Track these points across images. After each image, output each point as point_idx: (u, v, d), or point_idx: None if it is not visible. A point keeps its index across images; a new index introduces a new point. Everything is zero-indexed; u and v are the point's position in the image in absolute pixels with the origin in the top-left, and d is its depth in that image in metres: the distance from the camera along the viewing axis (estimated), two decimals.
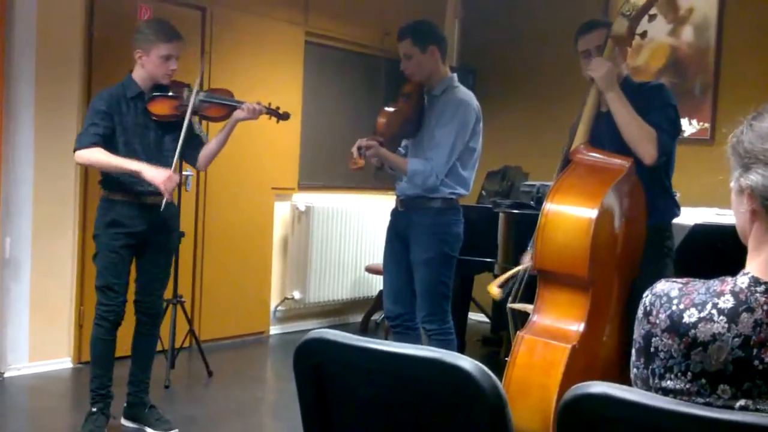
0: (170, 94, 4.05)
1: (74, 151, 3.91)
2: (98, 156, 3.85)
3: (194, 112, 4.06)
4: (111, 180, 3.96)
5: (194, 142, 4.16)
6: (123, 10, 5.31)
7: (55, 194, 5.05)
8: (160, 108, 4.02)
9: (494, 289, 3.41)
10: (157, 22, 4.07)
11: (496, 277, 5.52)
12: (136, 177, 3.86)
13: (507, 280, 3.41)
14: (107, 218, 3.95)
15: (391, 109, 4.04)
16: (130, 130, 3.94)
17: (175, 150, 3.99)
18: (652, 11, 3.21)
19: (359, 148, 3.86)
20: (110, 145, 3.90)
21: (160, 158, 3.98)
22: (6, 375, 4.88)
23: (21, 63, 4.87)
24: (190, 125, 4.09)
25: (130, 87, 3.99)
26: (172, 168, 3.91)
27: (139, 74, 4.00)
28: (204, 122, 4.43)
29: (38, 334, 5.03)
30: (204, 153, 4.19)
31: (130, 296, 4.09)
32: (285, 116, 4.25)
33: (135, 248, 4.02)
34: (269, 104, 4.19)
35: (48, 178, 5.00)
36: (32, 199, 4.97)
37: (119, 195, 3.96)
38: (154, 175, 3.83)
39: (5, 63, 4.77)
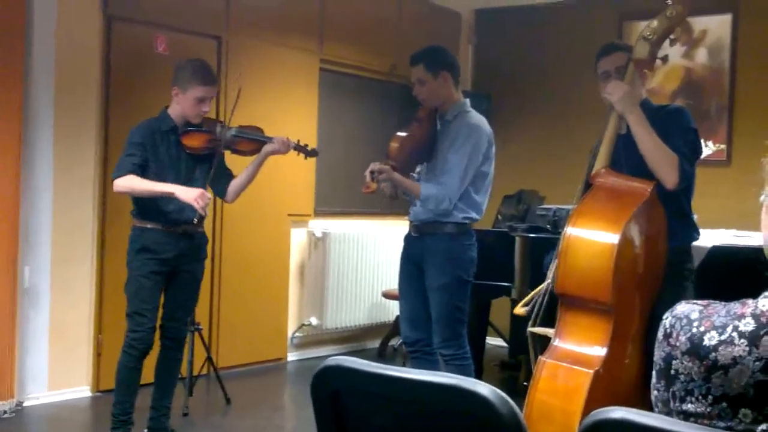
0: (203, 128, 4.19)
1: (112, 180, 4.05)
2: (133, 182, 3.98)
3: (226, 147, 4.21)
4: (143, 209, 4.08)
5: (224, 175, 4.28)
6: (140, 40, 5.37)
7: (73, 223, 5.08)
8: (193, 141, 4.16)
9: (520, 309, 3.38)
10: (197, 63, 4.17)
11: (513, 301, 5.52)
12: (168, 197, 3.99)
13: (532, 298, 3.39)
14: (137, 245, 4.05)
15: (404, 134, 4.06)
16: (163, 162, 4.07)
17: (205, 181, 4.16)
18: (673, 35, 3.21)
19: (372, 173, 3.87)
20: (144, 175, 4.02)
21: (189, 188, 4.09)
22: (25, 404, 4.89)
23: (40, 94, 4.92)
24: (222, 158, 4.25)
25: (164, 121, 4.12)
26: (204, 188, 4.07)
27: (174, 110, 4.14)
28: (233, 156, 4.52)
29: (57, 362, 5.05)
30: (233, 185, 4.32)
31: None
32: (314, 153, 4.46)
33: (165, 276, 4.10)
34: (298, 141, 4.35)
35: (66, 207, 5.03)
36: (51, 228, 5.00)
37: (150, 223, 4.06)
38: (187, 194, 3.96)
39: (24, 94, 4.82)
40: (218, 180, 4.26)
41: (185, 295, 4.23)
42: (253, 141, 4.30)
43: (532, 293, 3.37)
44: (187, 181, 4.10)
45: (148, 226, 4.06)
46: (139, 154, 4.01)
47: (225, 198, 4.39)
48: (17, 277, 4.82)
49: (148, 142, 4.05)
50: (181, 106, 4.10)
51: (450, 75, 4.07)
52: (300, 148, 4.36)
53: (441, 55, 4.16)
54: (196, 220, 4.04)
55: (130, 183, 3.98)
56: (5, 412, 4.70)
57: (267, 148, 4.25)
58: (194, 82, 4.05)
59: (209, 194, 4.06)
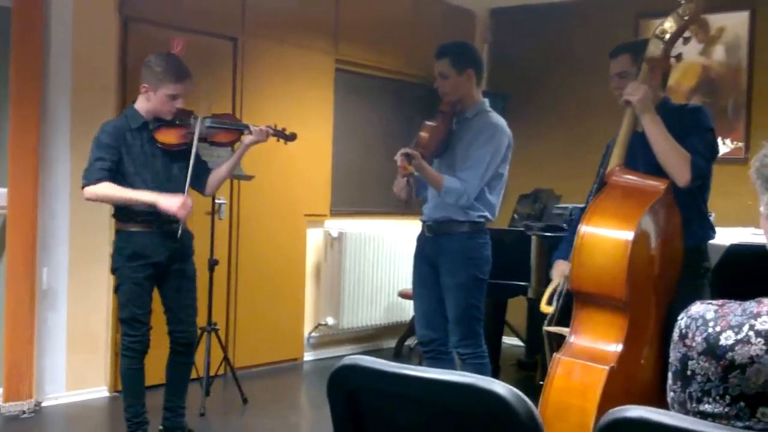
0: (176, 122, 4.07)
1: (82, 188, 3.94)
2: (109, 190, 3.89)
3: (202, 139, 4.09)
4: (126, 211, 3.99)
5: (201, 169, 4.18)
6: (156, 42, 5.37)
7: (91, 225, 5.10)
8: (168, 137, 4.04)
9: (545, 306, 3.36)
10: (167, 59, 4.04)
11: (529, 300, 5.51)
12: (149, 208, 3.90)
13: (552, 294, 3.37)
14: (128, 251, 3.97)
15: (433, 124, 4.04)
16: (138, 161, 3.97)
17: (185, 177, 4.03)
18: (686, 34, 3.20)
19: (407, 155, 3.84)
20: (118, 178, 3.93)
21: (169, 186, 4.01)
22: (44, 404, 4.92)
23: (57, 97, 4.95)
24: (197, 152, 4.12)
25: (134, 118, 4.02)
26: (185, 194, 3.96)
27: (142, 106, 4.03)
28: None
29: (75, 363, 5.08)
30: (213, 178, 4.22)
31: (158, 324, 4.12)
32: (291, 137, 4.31)
33: (156, 278, 4.05)
34: (275, 125, 4.24)
35: (84, 209, 5.04)
36: (69, 230, 5.03)
37: (137, 226, 3.98)
38: (169, 203, 3.89)
39: (41, 96, 4.85)
40: (196, 174, 4.12)
41: (183, 293, 4.13)
42: (230, 131, 4.18)
43: (549, 289, 3.36)
44: (166, 180, 4.01)
45: (134, 228, 3.96)
46: (108, 158, 3.89)
47: (203, 192, 4.29)
48: (35, 279, 4.85)
49: (120, 142, 3.93)
50: (152, 103, 3.98)
51: (474, 73, 4.06)
52: (279, 134, 4.24)
53: (468, 51, 4.16)
54: (180, 231, 3.95)
55: (105, 191, 3.88)
56: (24, 412, 4.73)
57: (247, 139, 4.14)
58: (166, 80, 3.94)
59: (190, 201, 3.96)
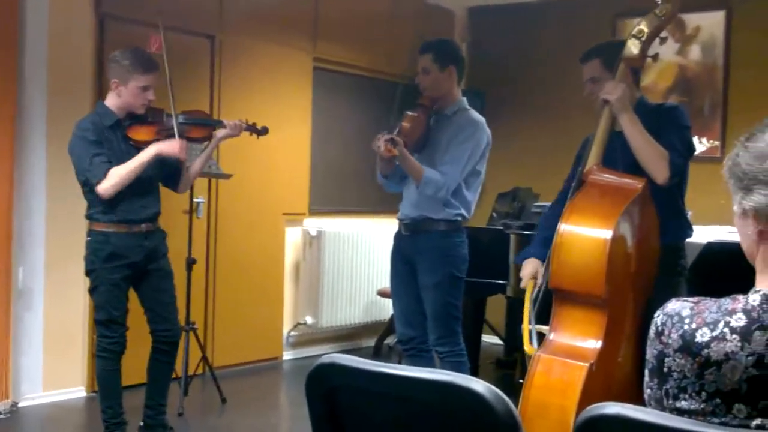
0: (149, 119, 4.06)
1: (95, 187, 3.88)
2: (120, 172, 3.87)
3: (178, 136, 4.06)
4: (101, 212, 3.95)
5: (174, 167, 4.15)
6: (133, 40, 5.34)
7: (67, 224, 5.06)
8: (141, 134, 4.04)
9: (529, 347, 3.29)
10: (134, 52, 4.04)
11: (508, 298, 5.52)
12: (135, 192, 3.92)
13: (529, 321, 3.33)
14: (104, 252, 3.93)
15: (415, 114, 4.05)
16: (115, 158, 3.95)
17: (157, 178, 4.10)
18: (663, 34, 3.23)
19: (391, 140, 3.82)
20: None
21: (141, 186, 3.98)
22: (20, 405, 4.88)
23: (33, 94, 4.91)
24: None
25: (106, 115, 4.00)
26: (177, 138, 4.01)
27: (113, 102, 4.01)
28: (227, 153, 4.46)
29: (52, 363, 5.03)
30: (186, 176, 4.22)
31: (135, 324, 4.09)
32: (263, 131, 4.37)
33: (132, 278, 4.03)
34: (246, 120, 4.28)
35: (60, 208, 5.02)
36: (45, 229, 4.99)
37: (112, 226, 3.95)
38: (170, 146, 3.95)
39: (17, 93, 4.81)
40: (169, 173, 4.13)
41: (162, 292, 4.11)
42: (204, 126, 4.20)
43: (525, 321, 3.30)
44: (142, 177, 3.97)
45: (111, 229, 3.94)
46: (102, 151, 3.89)
47: (177, 189, 4.29)
48: (11, 279, 4.81)
49: (102, 138, 3.92)
50: (123, 98, 3.97)
51: (456, 70, 4.09)
52: (251, 128, 4.29)
53: (451, 48, 4.19)
54: (188, 166, 4.11)
55: (117, 176, 3.85)
56: (0, 412, 4.69)
57: (219, 133, 4.18)
58: (136, 72, 3.94)
59: (184, 142, 4.02)
